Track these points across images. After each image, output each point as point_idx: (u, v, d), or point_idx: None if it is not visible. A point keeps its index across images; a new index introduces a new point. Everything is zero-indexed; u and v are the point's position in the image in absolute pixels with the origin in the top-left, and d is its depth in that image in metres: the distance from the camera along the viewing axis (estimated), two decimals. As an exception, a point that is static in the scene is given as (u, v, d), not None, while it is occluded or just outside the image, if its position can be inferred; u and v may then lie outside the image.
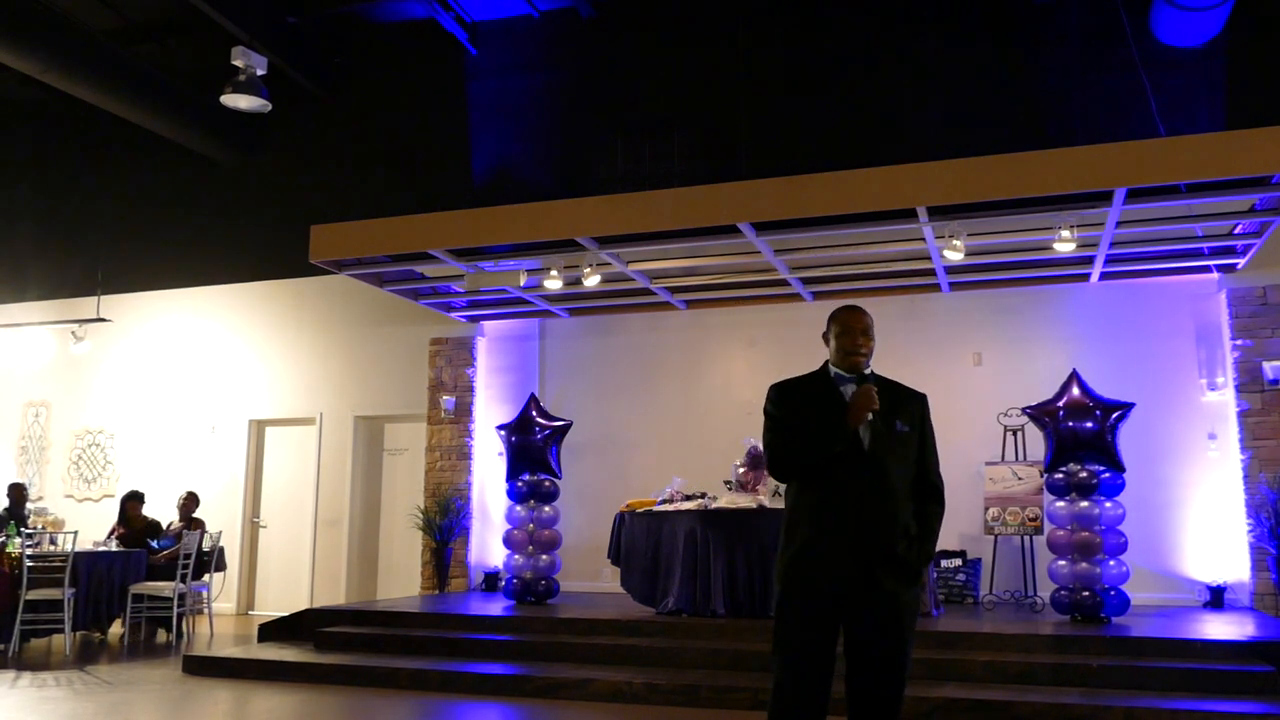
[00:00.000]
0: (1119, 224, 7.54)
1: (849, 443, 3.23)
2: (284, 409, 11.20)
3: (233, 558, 10.69)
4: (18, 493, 9.87)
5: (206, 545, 9.36)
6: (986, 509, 8.54)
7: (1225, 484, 8.40)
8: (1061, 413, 7.34)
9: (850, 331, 3.47)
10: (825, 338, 3.59)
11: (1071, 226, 7.43)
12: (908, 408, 3.38)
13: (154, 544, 9.33)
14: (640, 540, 7.88)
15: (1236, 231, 7.92)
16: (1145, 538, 8.23)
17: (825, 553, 3.17)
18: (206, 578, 9.36)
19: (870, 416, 3.24)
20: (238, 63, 9.29)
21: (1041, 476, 7.92)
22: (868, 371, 3.42)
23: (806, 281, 9.22)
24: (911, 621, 3.20)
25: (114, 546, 9.27)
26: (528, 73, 10.92)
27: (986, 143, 8.31)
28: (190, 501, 9.65)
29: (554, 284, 8.93)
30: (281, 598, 10.78)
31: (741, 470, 7.93)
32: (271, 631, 8.06)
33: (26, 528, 9.09)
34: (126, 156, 12.14)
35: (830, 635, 3.17)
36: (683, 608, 7.53)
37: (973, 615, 7.73)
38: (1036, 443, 8.06)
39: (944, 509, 3.36)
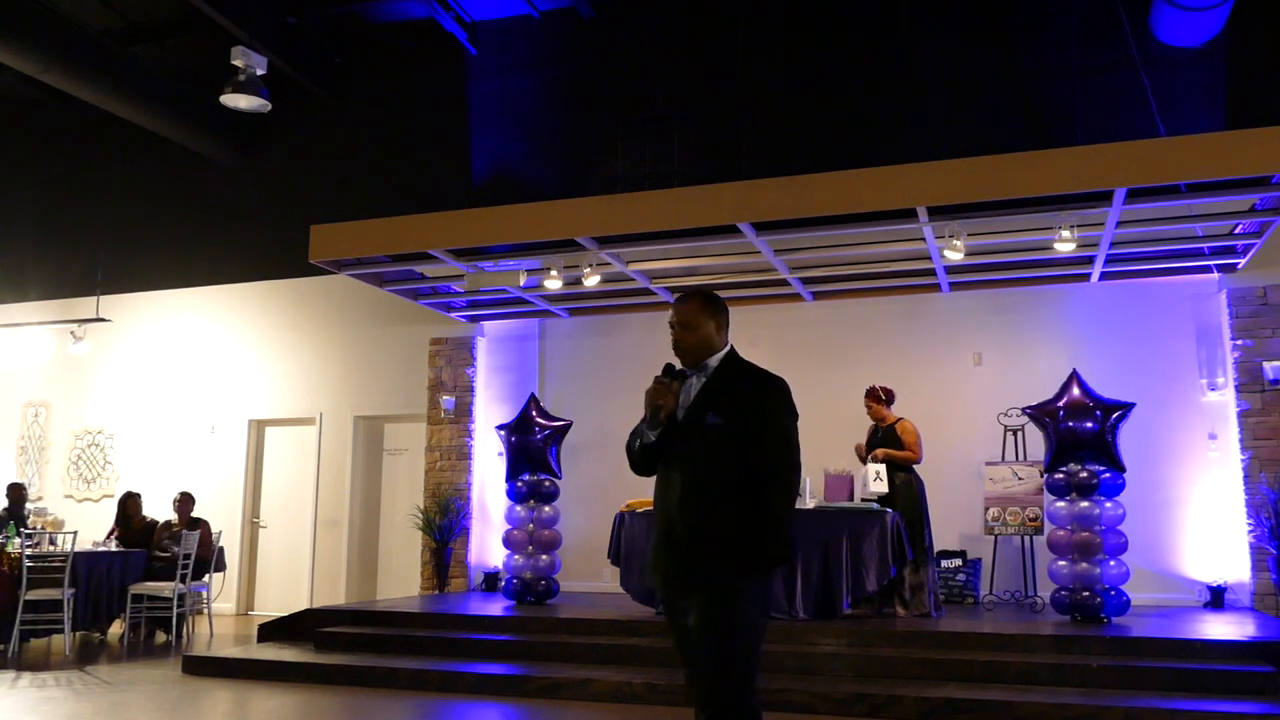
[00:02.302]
0: (1119, 224, 7.54)
1: (652, 440, 3.17)
2: (284, 409, 11.20)
3: (233, 558, 10.69)
4: (17, 493, 9.87)
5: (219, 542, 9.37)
6: (986, 509, 8.54)
7: (1225, 484, 8.40)
8: (1062, 413, 7.34)
9: (671, 326, 3.30)
10: None
11: (1071, 226, 7.43)
12: (733, 399, 3.15)
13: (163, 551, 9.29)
14: (640, 540, 7.87)
15: (1237, 231, 7.92)
16: (1145, 538, 8.24)
17: (650, 552, 3.20)
18: (206, 578, 9.36)
19: (659, 413, 3.14)
20: (238, 63, 9.29)
21: (1041, 476, 7.92)
22: (713, 361, 3.23)
23: (806, 281, 9.22)
24: (723, 619, 2.99)
25: (113, 546, 9.27)
26: (528, 73, 10.92)
27: (986, 143, 8.32)
28: (186, 502, 9.62)
29: (554, 284, 8.93)
30: (281, 598, 10.78)
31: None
32: (271, 632, 8.06)
33: (26, 528, 9.08)
34: (126, 156, 12.14)
35: (676, 629, 3.15)
36: (683, 608, 7.51)
37: (973, 615, 7.73)
38: (1036, 443, 8.06)
39: (784, 493, 3.09)
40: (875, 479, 7.55)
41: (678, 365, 3.29)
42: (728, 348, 3.28)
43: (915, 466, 7.88)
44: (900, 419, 7.91)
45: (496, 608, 8.25)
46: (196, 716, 5.87)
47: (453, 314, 10.37)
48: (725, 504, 3.05)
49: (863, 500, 7.61)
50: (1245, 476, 8.23)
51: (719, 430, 3.09)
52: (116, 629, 9.26)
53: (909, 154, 8.15)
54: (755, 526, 3.03)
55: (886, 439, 7.88)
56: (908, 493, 7.70)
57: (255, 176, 11.82)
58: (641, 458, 3.25)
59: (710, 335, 3.25)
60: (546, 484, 8.77)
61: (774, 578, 3.20)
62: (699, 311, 3.24)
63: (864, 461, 7.87)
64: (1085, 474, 7.19)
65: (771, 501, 3.05)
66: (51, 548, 8.64)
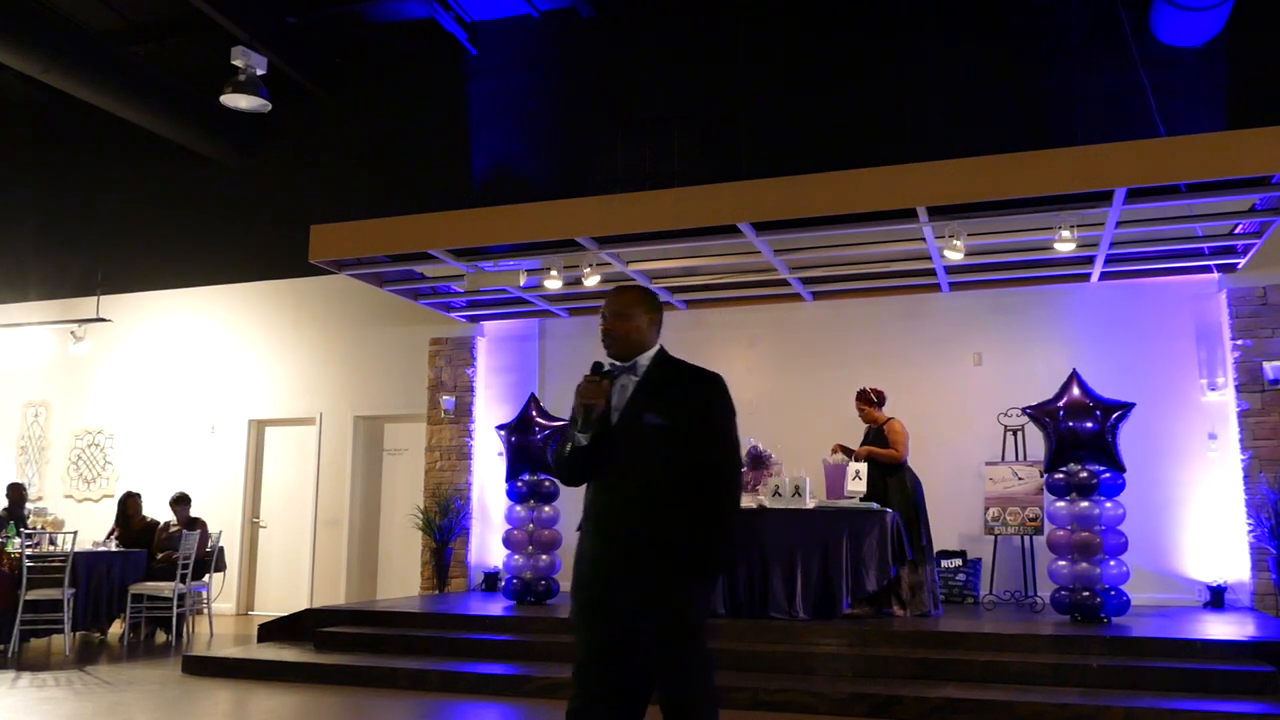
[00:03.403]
0: (1119, 224, 7.54)
1: (584, 444, 3.03)
2: (284, 409, 11.20)
3: (233, 558, 10.68)
4: (17, 493, 9.87)
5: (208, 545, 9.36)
6: (986, 509, 8.54)
7: (1225, 484, 8.40)
8: (1062, 413, 7.34)
9: (603, 316, 3.15)
10: None
11: (1071, 226, 7.43)
12: (672, 398, 3.03)
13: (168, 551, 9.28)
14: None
15: (1237, 231, 7.92)
16: (1145, 538, 8.23)
17: (585, 558, 3.04)
18: (206, 578, 9.36)
19: (591, 413, 3.00)
20: (238, 63, 9.30)
21: (1041, 476, 7.92)
22: (644, 360, 3.10)
23: (806, 281, 9.22)
24: (682, 627, 2.91)
25: (113, 546, 9.27)
26: (528, 73, 10.92)
27: (986, 143, 8.31)
28: (182, 503, 9.59)
29: (554, 284, 8.93)
30: (281, 598, 10.78)
31: (741, 470, 7.91)
32: (271, 631, 8.06)
33: (26, 528, 9.08)
34: (126, 156, 12.14)
35: (603, 642, 2.94)
36: (683, 608, 7.51)
37: (973, 615, 7.73)
38: (1036, 443, 8.06)
39: (731, 494, 3.02)
40: (855, 478, 7.55)
41: (608, 364, 3.15)
42: (658, 346, 3.15)
43: (910, 465, 7.89)
44: (890, 419, 7.91)
45: (496, 608, 8.25)
46: (196, 716, 5.87)
47: (453, 314, 10.37)
48: (670, 507, 2.94)
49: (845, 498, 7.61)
50: (1245, 476, 8.23)
51: (660, 431, 2.97)
52: (116, 629, 9.26)
53: (909, 154, 8.15)
54: (702, 529, 2.93)
55: (877, 440, 7.89)
56: (901, 492, 7.70)
57: (255, 176, 11.82)
58: (571, 464, 3.09)
59: (642, 328, 3.11)
60: (546, 484, 8.77)
61: (717, 580, 3.15)
62: (635, 303, 3.12)
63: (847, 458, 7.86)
64: (1085, 474, 7.19)
65: (718, 503, 2.97)
66: (51, 548, 8.64)
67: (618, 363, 3.11)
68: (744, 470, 7.94)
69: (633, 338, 3.09)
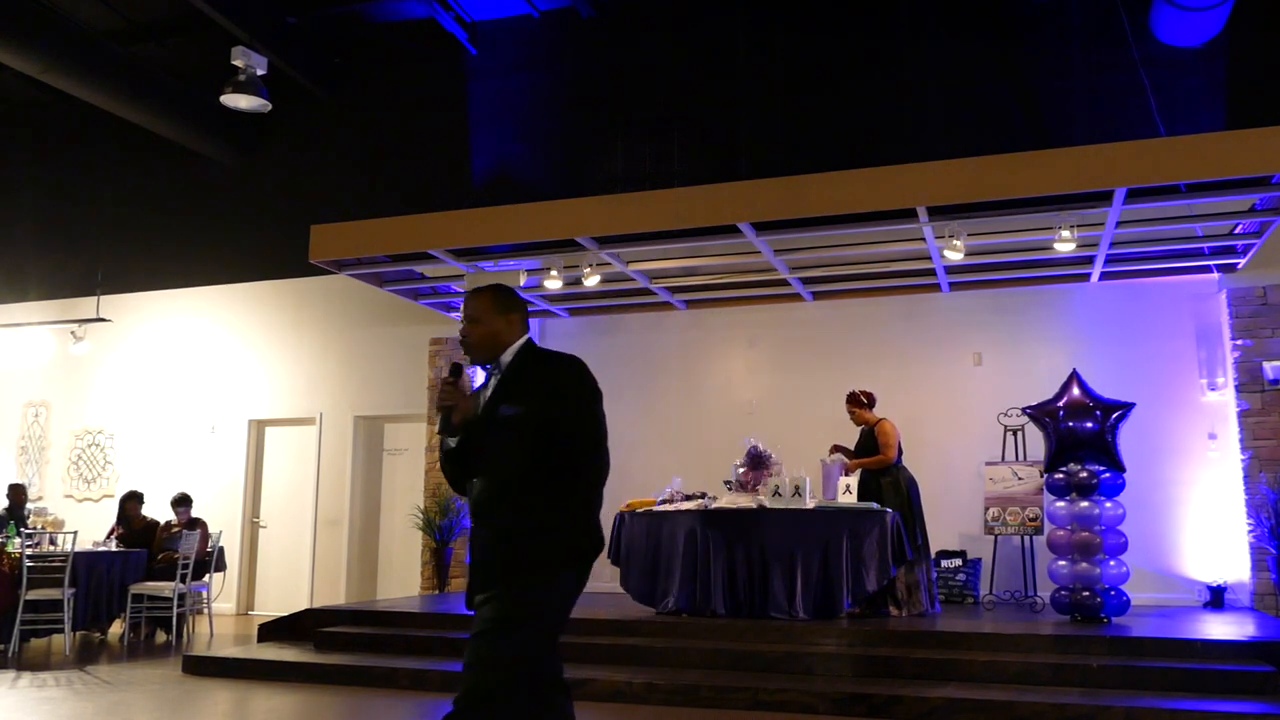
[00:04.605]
0: (1119, 224, 7.54)
1: (452, 446, 3.00)
2: (284, 409, 11.20)
3: (233, 558, 10.69)
4: (18, 494, 9.86)
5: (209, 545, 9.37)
6: (986, 509, 8.54)
7: (1225, 484, 8.41)
8: (1061, 413, 7.34)
9: (461, 321, 3.13)
10: None
11: (1071, 226, 7.43)
12: (525, 387, 2.97)
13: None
14: (640, 540, 7.88)
15: (1236, 231, 7.92)
16: (1145, 538, 8.23)
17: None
18: (206, 578, 9.36)
19: (450, 416, 2.95)
20: (238, 63, 9.29)
21: (1041, 476, 7.92)
22: (507, 356, 3.05)
23: (806, 281, 9.22)
24: (508, 612, 2.79)
25: (113, 546, 9.27)
26: (528, 73, 10.92)
27: (986, 143, 8.33)
28: (184, 503, 9.59)
29: (554, 284, 8.93)
30: (281, 598, 10.78)
31: (741, 470, 7.92)
32: (271, 631, 8.06)
33: (26, 528, 9.08)
34: (126, 156, 12.14)
35: None
36: (682, 608, 7.53)
37: (973, 615, 7.73)
38: (1036, 443, 8.05)
39: (589, 479, 2.94)
40: (845, 492, 7.56)
41: (482, 366, 3.13)
42: (523, 340, 3.09)
43: (907, 465, 7.90)
44: (881, 420, 7.92)
45: (496, 608, 8.23)
46: (196, 716, 5.87)
47: (453, 314, 10.37)
48: (528, 498, 2.88)
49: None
50: (1245, 476, 8.23)
51: (514, 421, 2.92)
52: (116, 629, 9.26)
53: (909, 154, 8.16)
54: (560, 517, 2.87)
55: (869, 441, 7.91)
56: (896, 492, 7.71)
57: (255, 176, 11.82)
58: (449, 468, 3.07)
59: (498, 330, 3.06)
60: (546, 484, 8.75)
61: (584, 571, 2.99)
62: (487, 306, 3.07)
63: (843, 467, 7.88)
64: (1085, 474, 7.19)
65: (570, 487, 2.90)
66: (51, 548, 8.64)
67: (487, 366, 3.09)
68: (744, 470, 7.93)
69: (488, 341, 3.06)
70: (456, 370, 3.02)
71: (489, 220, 8.45)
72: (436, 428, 3.03)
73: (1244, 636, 6.28)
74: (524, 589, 2.82)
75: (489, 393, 3.04)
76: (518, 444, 2.89)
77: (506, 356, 3.06)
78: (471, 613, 2.92)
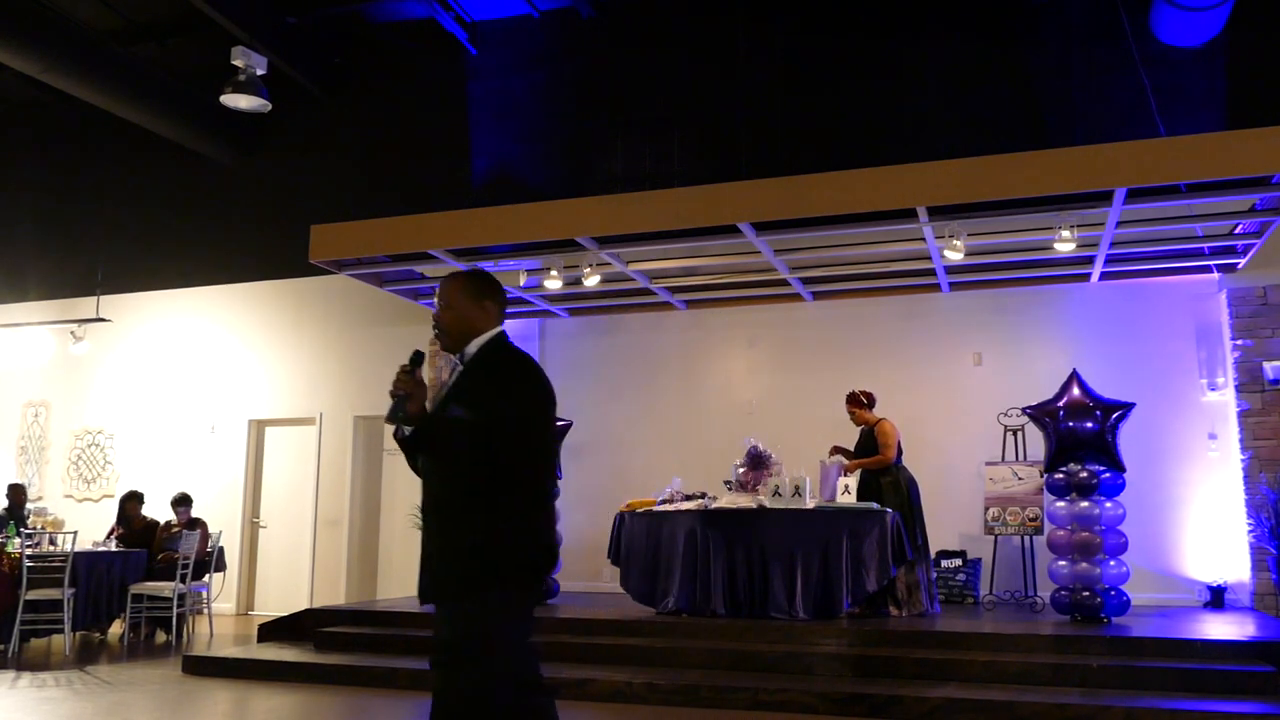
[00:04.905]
0: (1119, 224, 7.54)
1: (405, 435, 2.87)
2: (284, 409, 11.20)
3: (233, 558, 10.68)
4: (17, 494, 9.86)
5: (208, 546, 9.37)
6: (986, 509, 8.54)
7: (1225, 484, 8.41)
8: (1061, 413, 7.34)
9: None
10: None
11: (1071, 226, 7.43)
12: (475, 388, 2.84)
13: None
14: (640, 540, 7.88)
15: (1237, 231, 7.92)
16: (1145, 538, 8.23)
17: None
18: (206, 578, 9.36)
19: (404, 405, 2.79)
20: (238, 63, 9.29)
21: (1041, 476, 7.92)
22: (472, 348, 2.91)
23: (806, 281, 9.22)
24: (458, 644, 2.70)
25: (113, 546, 9.27)
26: (528, 73, 10.92)
27: (986, 143, 8.32)
28: (184, 504, 9.58)
29: (554, 284, 8.93)
30: (281, 598, 10.77)
31: (741, 470, 7.93)
32: (271, 631, 8.06)
33: (26, 528, 9.08)
34: (126, 156, 12.14)
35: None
36: (683, 608, 7.53)
37: (973, 615, 7.73)
38: (1036, 443, 8.06)
39: (525, 494, 2.78)
40: (843, 493, 7.56)
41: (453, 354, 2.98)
42: (495, 331, 2.94)
43: (907, 464, 7.90)
44: (881, 420, 7.93)
45: (496, 608, 8.23)
46: (196, 716, 5.87)
47: (453, 314, 10.35)
48: (470, 509, 2.74)
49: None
50: (1245, 476, 8.23)
51: (462, 424, 2.78)
52: (116, 629, 9.26)
53: (909, 154, 8.15)
54: (502, 530, 2.73)
55: (869, 441, 7.91)
56: (895, 492, 7.71)
57: (255, 176, 11.82)
58: (405, 454, 2.95)
59: (471, 316, 2.92)
60: (546, 484, 8.75)
61: (533, 589, 2.84)
62: (460, 290, 2.94)
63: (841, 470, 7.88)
64: (1085, 474, 7.19)
65: (519, 500, 2.75)
66: (51, 548, 8.64)
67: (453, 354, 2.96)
68: (744, 470, 7.93)
69: (459, 327, 2.92)
70: (417, 358, 2.88)
71: (489, 220, 8.45)
72: (385, 415, 2.83)
73: (1244, 636, 6.28)
74: (470, 614, 2.70)
75: (448, 385, 2.93)
76: (460, 449, 2.76)
77: (472, 348, 2.91)
78: (428, 608, 2.84)
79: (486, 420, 2.73)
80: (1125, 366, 8.66)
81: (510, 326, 11.34)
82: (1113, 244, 7.95)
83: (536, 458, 2.82)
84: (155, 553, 9.33)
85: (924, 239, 7.91)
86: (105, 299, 11.69)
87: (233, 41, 9.45)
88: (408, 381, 2.79)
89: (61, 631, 8.23)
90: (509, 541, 2.74)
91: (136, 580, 8.95)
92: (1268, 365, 8.27)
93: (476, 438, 2.73)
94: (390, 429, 2.91)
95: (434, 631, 2.80)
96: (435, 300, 3.00)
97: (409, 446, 2.91)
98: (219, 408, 11.38)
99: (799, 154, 9.62)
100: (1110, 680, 5.80)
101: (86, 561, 8.48)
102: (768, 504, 7.60)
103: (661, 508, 8.00)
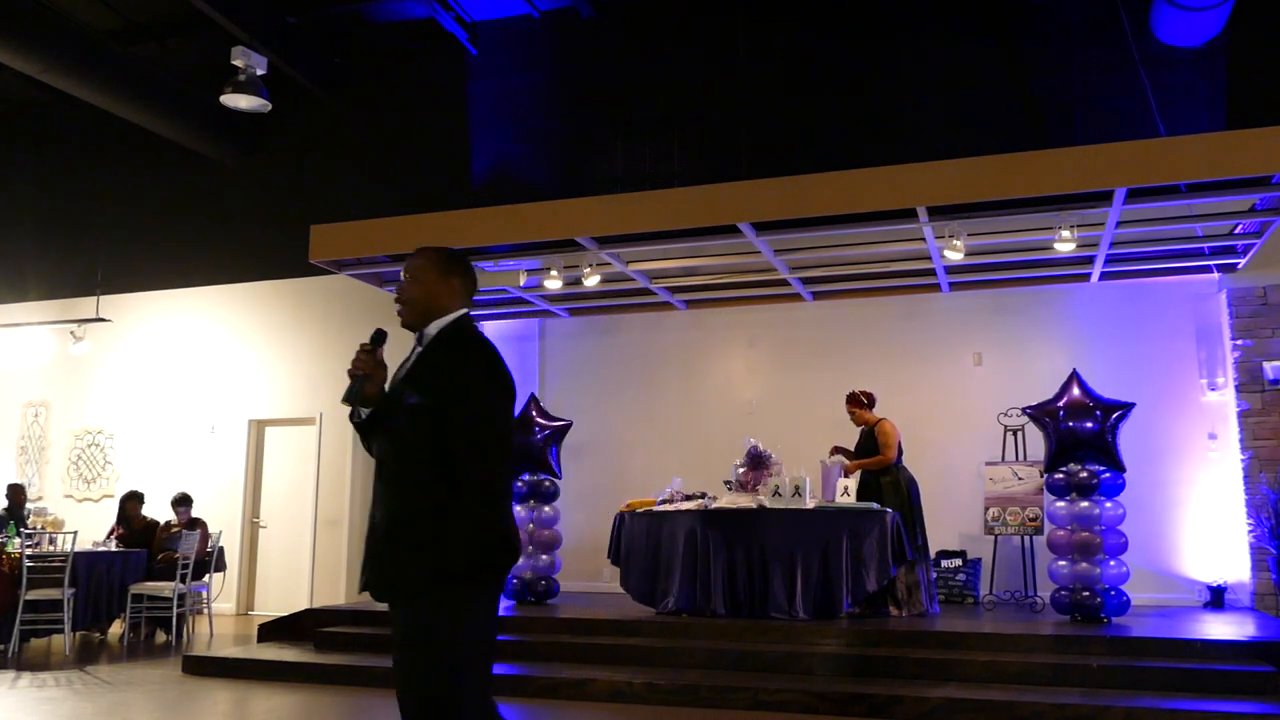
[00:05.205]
0: (1119, 224, 7.54)
1: (361, 419, 2.77)
2: (284, 409, 11.19)
3: (233, 558, 10.68)
4: (16, 494, 9.86)
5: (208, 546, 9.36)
6: (986, 509, 8.54)
7: (1225, 484, 8.40)
8: (1062, 413, 7.34)
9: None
10: None
11: (1071, 226, 7.43)
12: (434, 372, 2.73)
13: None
14: (640, 540, 7.88)
15: (1237, 231, 7.92)
16: (1145, 538, 8.23)
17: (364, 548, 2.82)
18: (206, 578, 9.36)
19: (362, 386, 2.69)
20: (238, 63, 9.29)
21: (1041, 476, 7.92)
22: (433, 329, 2.81)
23: (806, 281, 9.22)
24: (417, 636, 2.60)
25: (114, 547, 9.27)
26: (528, 73, 10.92)
27: (986, 143, 8.32)
28: (184, 504, 9.58)
29: (554, 284, 8.93)
30: (281, 598, 10.77)
31: (741, 470, 7.93)
32: (271, 631, 8.06)
33: (26, 528, 9.08)
34: (126, 156, 12.14)
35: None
36: (683, 608, 7.53)
37: (973, 615, 7.73)
38: (1036, 443, 8.06)
39: (479, 488, 2.65)
40: (843, 494, 7.56)
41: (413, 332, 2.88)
42: (460, 313, 2.83)
43: (907, 465, 7.90)
44: (881, 420, 7.93)
45: (496, 608, 8.24)
46: (196, 716, 5.87)
47: (453, 314, 10.35)
48: (423, 500, 2.62)
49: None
50: (1245, 476, 8.23)
51: (415, 411, 2.66)
52: (116, 629, 9.26)
53: (909, 154, 8.15)
54: (453, 528, 2.60)
55: (869, 441, 7.91)
56: (895, 492, 7.71)
57: (255, 176, 11.81)
58: (360, 436, 2.83)
59: (438, 293, 2.80)
60: (546, 484, 8.77)
61: (491, 587, 2.71)
62: (428, 265, 2.83)
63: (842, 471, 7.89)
64: (1085, 474, 7.19)
65: (464, 499, 2.61)
66: (51, 548, 8.64)
67: (414, 332, 2.85)
68: (744, 470, 7.92)
69: (423, 303, 2.81)
70: (379, 337, 2.78)
71: (489, 220, 8.45)
72: (342, 396, 2.72)
73: (1244, 636, 6.28)
74: (429, 614, 2.59)
75: (405, 368, 2.82)
76: (418, 439, 2.63)
77: (432, 329, 2.81)
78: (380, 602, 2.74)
79: (446, 407, 2.61)
80: (1125, 366, 8.65)
81: (510, 326, 11.43)
82: (1113, 244, 7.95)
83: (495, 448, 2.70)
84: (155, 553, 9.33)
85: (924, 239, 7.91)
86: (105, 299, 11.69)
87: (233, 41, 9.45)
88: (367, 361, 2.69)
89: (61, 631, 8.23)
90: (467, 537, 2.61)
91: (136, 580, 8.95)
92: (1268, 365, 8.27)
93: (434, 425, 2.61)
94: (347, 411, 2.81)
95: (393, 630, 2.68)
96: (401, 272, 2.86)
97: (365, 430, 2.80)
98: (219, 408, 11.38)
99: (799, 154, 9.62)
100: (1110, 680, 5.80)
101: (86, 561, 8.48)
102: (768, 504, 7.60)
103: (661, 508, 8.00)
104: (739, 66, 10.06)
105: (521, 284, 9.21)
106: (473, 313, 10.55)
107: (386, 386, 2.78)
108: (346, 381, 2.74)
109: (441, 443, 2.61)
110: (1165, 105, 8.78)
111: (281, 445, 11.33)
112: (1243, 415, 8.33)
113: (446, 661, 2.59)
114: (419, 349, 2.82)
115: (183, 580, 8.83)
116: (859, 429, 8.09)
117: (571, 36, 10.75)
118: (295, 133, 11.68)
